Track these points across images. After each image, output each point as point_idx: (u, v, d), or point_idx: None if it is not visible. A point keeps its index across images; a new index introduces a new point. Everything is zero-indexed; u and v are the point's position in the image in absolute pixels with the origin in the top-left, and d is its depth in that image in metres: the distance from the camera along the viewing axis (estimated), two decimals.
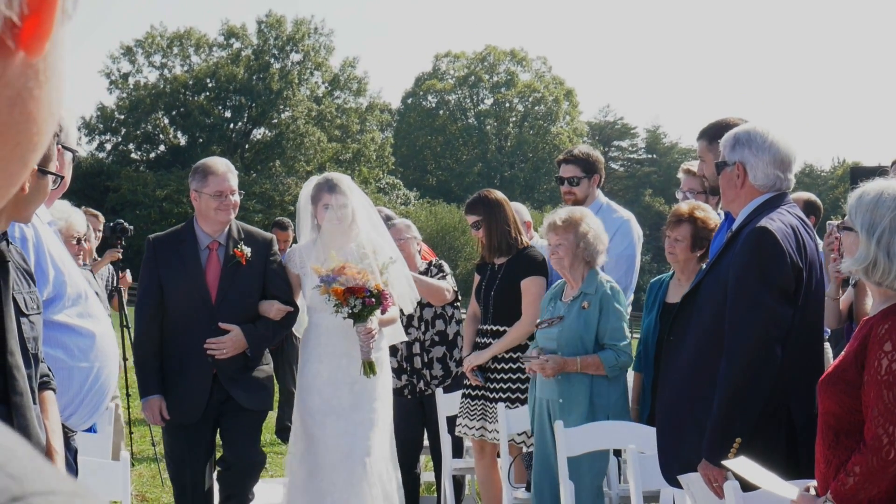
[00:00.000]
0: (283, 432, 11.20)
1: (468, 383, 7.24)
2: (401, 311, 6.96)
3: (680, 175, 7.69)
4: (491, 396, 7.14)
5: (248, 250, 6.42)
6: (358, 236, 6.64)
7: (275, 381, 7.20)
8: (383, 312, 6.50)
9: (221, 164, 6.49)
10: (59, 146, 4.11)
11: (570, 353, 6.25)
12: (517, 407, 6.94)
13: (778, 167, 4.68)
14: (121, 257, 9.81)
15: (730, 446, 4.30)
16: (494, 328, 7.12)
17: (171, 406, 6.37)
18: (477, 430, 7.16)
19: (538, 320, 6.49)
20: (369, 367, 6.43)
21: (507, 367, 7.07)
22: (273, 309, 6.47)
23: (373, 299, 6.31)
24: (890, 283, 3.54)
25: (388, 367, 6.87)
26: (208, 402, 6.34)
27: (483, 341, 7.16)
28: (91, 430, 5.29)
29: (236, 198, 6.45)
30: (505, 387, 7.07)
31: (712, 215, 6.43)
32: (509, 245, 7.15)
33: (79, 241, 6.96)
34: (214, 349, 6.32)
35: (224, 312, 6.36)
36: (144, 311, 6.47)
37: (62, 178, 3.79)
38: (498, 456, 7.26)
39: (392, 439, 6.78)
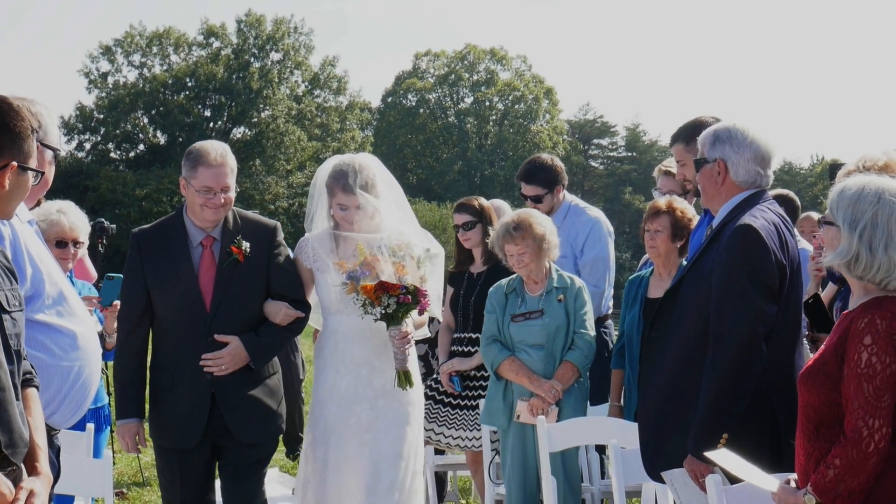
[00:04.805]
0: (290, 443, 10.13)
1: (438, 387, 7.20)
2: None
3: (655, 175, 7.70)
4: (464, 403, 7.13)
5: (247, 245, 5.51)
6: (381, 226, 5.78)
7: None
8: (421, 313, 5.70)
9: (217, 154, 5.47)
10: (39, 143, 4.10)
11: (557, 344, 6.43)
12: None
13: (759, 164, 4.70)
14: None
15: (716, 442, 4.31)
16: (475, 336, 7.06)
17: (161, 428, 5.55)
18: (435, 434, 7.13)
19: (513, 313, 6.51)
20: (405, 378, 5.66)
21: (486, 374, 7.08)
22: (280, 313, 5.58)
23: (409, 297, 5.51)
24: (871, 278, 3.57)
25: (420, 380, 5.98)
26: (206, 428, 5.47)
27: (463, 349, 7.14)
28: (79, 427, 5.27)
29: (230, 194, 5.49)
30: (483, 394, 7.07)
31: (689, 207, 6.51)
32: (493, 253, 7.15)
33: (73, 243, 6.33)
34: (212, 365, 5.44)
35: (221, 321, 5.46)
36: (127, 317, 5.60)
37: (42, 173, 3.77)
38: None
39: (420, 474, 5.97)
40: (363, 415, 5.73)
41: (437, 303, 6.02)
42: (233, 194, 5.52)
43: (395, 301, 5.47)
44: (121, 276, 6.34)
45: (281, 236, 5.71)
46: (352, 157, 5.91)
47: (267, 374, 5.63)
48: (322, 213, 5.92)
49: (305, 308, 5.75)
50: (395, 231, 5.76)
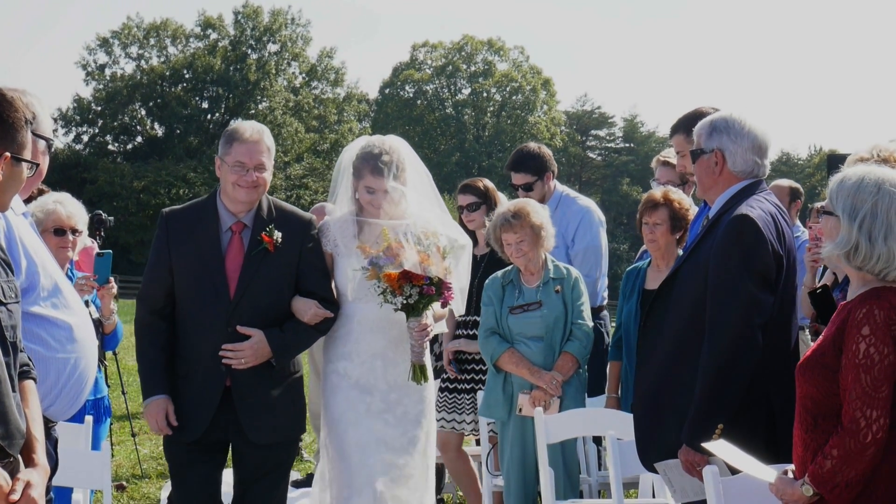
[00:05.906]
0: None
1: (445, 377, 7.22)
2: None
3: (653, 166, 7.68)
4: (460, 388, 7.14)
5: (278, 235, 5.27)
6: (406, 213, 5.55)
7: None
8: (444, 306, 5.46)
9: (253, 132, 5.26)
10: (32, 134, 4.08)
11: (556, 335, 6.40)
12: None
13: (756, 153, 4.69)
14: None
15: (711, 432, 4.30)
16: (479, 318, 7.03)
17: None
18: (449, 422, 7.14)
19: (511, 305, 6.50)
20: (420, 372, 5.41)
21: (480, 357, 7.07)
22: (310, 312, 5.32)
23: (432, 288, 5.25)
24: (870, 268, 3.56)
25: (433, 377, 5.75)
26: (214, 419, 5.21)
27: (467, 332, 7.14)
28: (78, 419, 5.26)
29: (265, 174, 5.26)
30: (479, 378, 7.07)
31: (685, 197, 6.49)
32: None
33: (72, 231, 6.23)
34: (231, 358, 5.19)
35: (244, 311, 5.22)
36: (150, 298, 5.35)
37: (37, 165, 3.76)
38: (478, 444, 7.26)
39: (432, 472, 5.69)
40: (373, 404, 5.49)
41: (461, 296, 5.80)
42: (268, 176, 5.29)
43: (417, 291, 5.24)
44: (110, 251, 6.35)
45: (314, 230, 5.47)
46: (381, 138, 5.67)
47: (288, 373, 5.38)
48: (346, 196, 5.66)
49: (335, 308, 5.48)
50: (421, 219, 5.54)
